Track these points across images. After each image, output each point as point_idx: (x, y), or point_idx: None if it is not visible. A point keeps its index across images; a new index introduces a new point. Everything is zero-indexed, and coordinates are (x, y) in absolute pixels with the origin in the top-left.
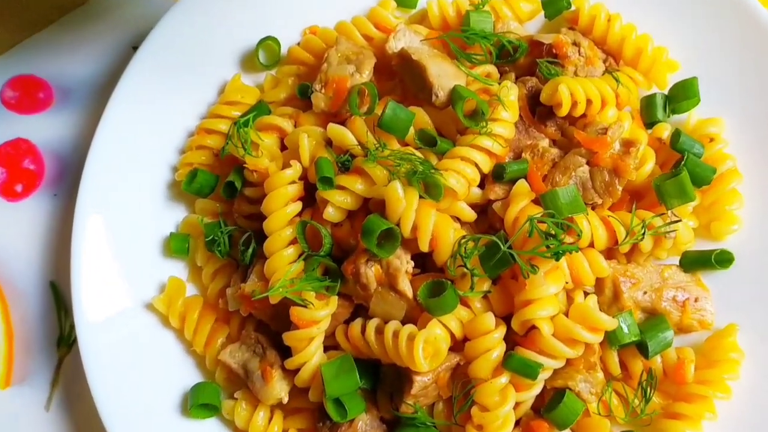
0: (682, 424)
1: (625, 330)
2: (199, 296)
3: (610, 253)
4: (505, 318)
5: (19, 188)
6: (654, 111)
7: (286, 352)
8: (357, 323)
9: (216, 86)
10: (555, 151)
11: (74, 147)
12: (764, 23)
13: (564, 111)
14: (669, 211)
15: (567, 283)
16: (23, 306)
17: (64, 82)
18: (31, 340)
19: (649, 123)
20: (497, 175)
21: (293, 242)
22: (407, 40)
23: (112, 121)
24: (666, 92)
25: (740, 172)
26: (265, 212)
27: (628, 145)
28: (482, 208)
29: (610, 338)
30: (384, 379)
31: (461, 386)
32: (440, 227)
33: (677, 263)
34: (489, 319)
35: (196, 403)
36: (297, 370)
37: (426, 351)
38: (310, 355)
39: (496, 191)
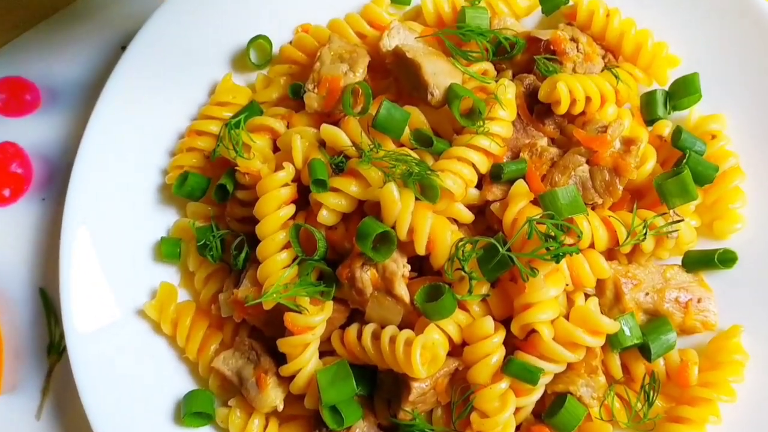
0: (686, 428)
1: (627, 332)
2: (191, 302)
3: (610, 254)
4: (505, 321)
5: (6, 193)
6: (654, 108)
7: (280, 359)
8: (353, 328)
9: (206, 86)
10: (554, 150)
11: (62, 150)
12: (766, 17)
13: (563, 109)
14: (671, 211)
15: (567, 285)
16: (12, 313)
17: (52, 83)
18: (21, 348)
19: (650, 120)
20: (495, 175)
21: (287, 246)
22: (401, 37)
23: (100, 123)
24: (666, 88)
25: (743, 169)
26: (258, 216)
27: (628, 143)
28: (480, 209)
29: (612, 341)
30: (381, 386)
31: (460, 392)
32: (437, 230)
33: (679, 263)
34: (488, 323)
35: (190, 411)
36: (292, 377)
37: (424, 356)
38: (305, 361)
39: (494, 192)
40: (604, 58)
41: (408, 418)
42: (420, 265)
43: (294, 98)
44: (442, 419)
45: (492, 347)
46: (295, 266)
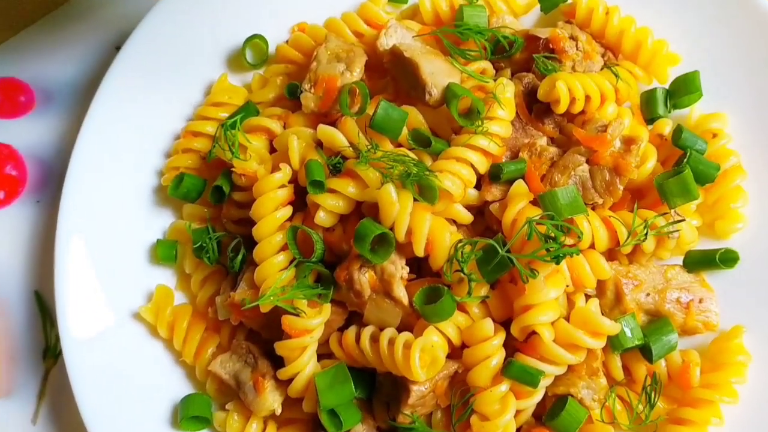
0: (688, 429)
1: (628, 334)
2: (187, 305)
3: (611, 254)
4: (505, 323)
5: (1, 195)
6: (655, 106)
7: (278, 362)
8: (351, 331)
9: (202, 87)
10: (553, 150)
11: (57, 152)
12: (766, 13)
13: (562, 108)
14: (672, 210)
15: (567, 286)
16: (7, 316)
17: (46, 84)
18: (16, 352)
19: (650, 119)
20: (494, 175)
21: (284, 248)
22: (399, 36)
23: (95, 124)
24: (667, 87)
25: (744, 168)
26: (255, 217)
27: (628, 142)
28: (479, 210)
29: (613, 343)
30: (380, 388)
31: (460, 395)
32: (436, 231)
33: (680, 263)
34: (488, 326)
35: (187, 416)
36: (290, 380)
37: (423, 359)
38: (303, 365)
39: (493, 192)
40: (603, 56)
41: (407, 422)
42: (419, 267)
43: (290, 98)
44: (441, 422)
45: (492, 349)
46: (292, 268)
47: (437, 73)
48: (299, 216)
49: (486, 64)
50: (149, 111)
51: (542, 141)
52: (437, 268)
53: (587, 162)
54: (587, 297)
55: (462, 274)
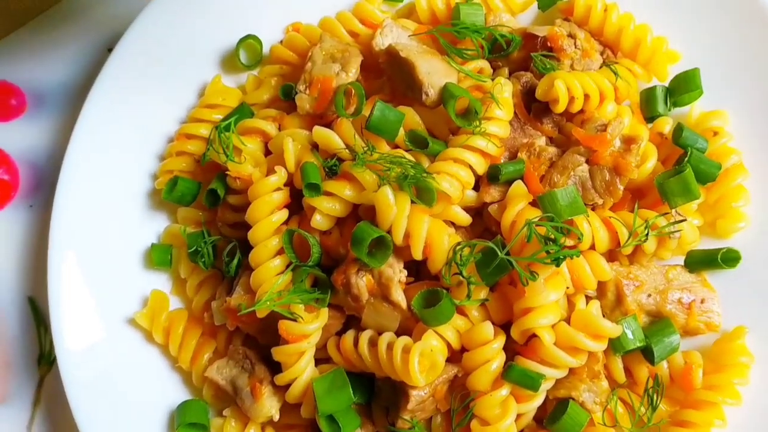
0: None
1: (630, 336)
2: (183, 310)
3: (611, 255)
4: (504, 326)
5: None
6: (654, 104)
7: (275, 367)
8: (349, 335)
9: (195, 88)
10: (552, 150)
11: (49, 155)
12: (766, 10)
13: (561, 107)
14: (673, 210)
15: (568, 288)
16: (1, 323)
17: (37, 87)
18: (11, 359)
19: (650, 117)
20: (492, 176)
21: (280, 252)
22: (395, 35)
23: (87, 127)
24: (667, 84)
25: (746, 167)
26: (250, 221)
27: (628, 141)
28: (477, 211)
29: (615, 345)
30: (379, 393)
31: (460, 399)
32: (434, 234)
33: (682, 263)
34: (487, 329)
35: (184, 422)
36: (288, 386)
37: (422, 364)
38: (301, 370)
39: (492, 194)
40: (602, 54)
41: (407, 427)
42: (417, 270)
43: (285, 99)
44: (441, 427)
45: (492, 353)
46: (288, 273)
47: (434, 73)
48: (295, 219)
49: (483, 64)
50: (142, 113)
51: (541, 141)
52: (436, 271)
53: (587, 162)
54: (588, 298)
55: (461, 277)
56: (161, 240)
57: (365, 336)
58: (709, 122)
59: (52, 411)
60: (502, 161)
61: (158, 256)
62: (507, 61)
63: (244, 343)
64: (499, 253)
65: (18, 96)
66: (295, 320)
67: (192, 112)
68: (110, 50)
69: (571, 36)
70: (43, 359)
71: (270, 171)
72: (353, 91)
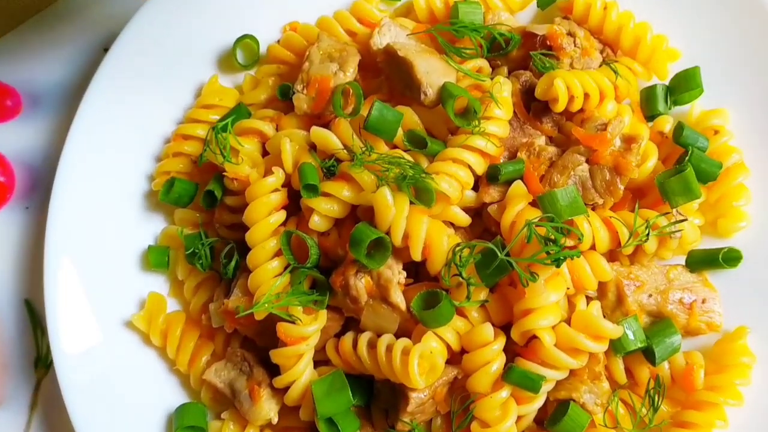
0: None
1: (631, 336)
2: (181, 312)
3: (612, 255)
4: (504, 327)
5: None
6: (655, 103)
7: (274, 369)
8: (348, 337)
9: (192, 89)
10: (552, 150)
11: (46, 157)
12: (767, 7)
13: (560, 106)
14: (674, 210)
15: (568, 288)
16: None
17: (33, 88)
18: (8, 361)
19: (650, 116)
20: (492, 176)
21: (278, 254)
22: (393, 34)
23: (83, 128)
24: (667, 83)
25: (747, 165)
26: (247, 223)
27: (629, 141)
28: (476, 211)
29: (615, 346)
30: (378, 396)
31: (460, 401)
32: (433, 235)
33: (683, 263)
34: (487, 330)
35: (182, 425)
36: (286, 389)
37: (422, 366)
38: (299, 373)
39: (491, 194)
40: (602, 52)
41: (406, 429)
42: (416, 271)
43: (283, 100)
44: (441, 429)
45: (492, 355)
46: (287, 274)
47: (432, 72)
48: (293, 220)
49: (482, 62)
50: (138, 114)
51: (540, 140)
52: (435, 272)
53: (587, 161)
54: (588, 299)
55: (460, 278)
56: (158, 242)
57: (364, 338)
58: (709, 121)
59: (49, 414)
60: (501, 161)
61: (155, 258)
62: (506, 59)
63: (243, 345)
64: (499, 254)
65: (13, 97)
66: (293, 322)
67: (189, 112)
68: (106, 50)
69: (570, 34)
70: (40, 362)
71: (267, 172)
72: (351, 90)
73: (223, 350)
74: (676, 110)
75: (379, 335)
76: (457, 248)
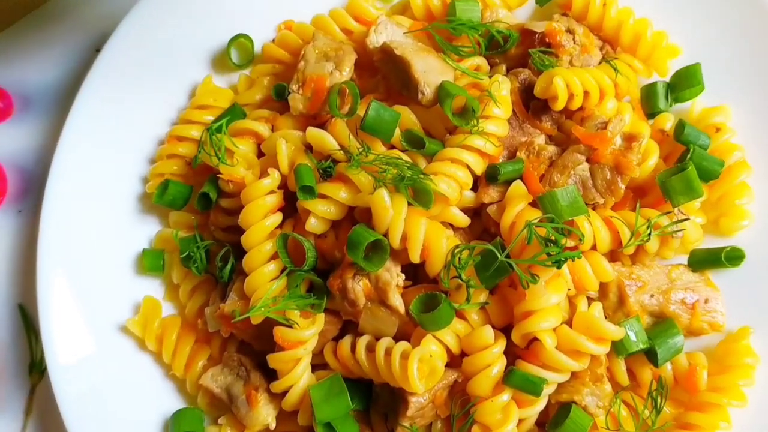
0: None
1: (633, 338)
2: (176, 316)
3: (613, 255)
4: (505, 329)
5: None
6: (655, 100)
7: (271, 374)
8: (346, 341)
9: (186, 89)
10: (552, 149)
11: (38, 159)
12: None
13: (560, 105)
14: (675, 209)
15: (569, 289)
16: None
17: (24, 89)
18: (2, 367)
19: (650, 113)
20: (491, 176)
21: (274, 257)
22: (389, 33)
23: (75, 130)
24: (667, 80)
25: (749, 163)
26: (243, 225)
27: (629, 139)
28: (476, 212)
29: (618, 347)
30: (377, 399)
31: (460, 405)
32: (432, 236)
33: (685, 263)
34: (487, 333)
35: (179, 431)
36: (284, 393)
37: (421, 370)
38: (297, 377)
39: (491, 194)
40: (601, 49)
41: None
42: (415, 274)
43: (278, 100)
44: None
45: (492, 357)
46: (283, 278)
47: (430, 71)
48: (289, 223)
49: (480, 61)
50: (131, 115)
51: (540, 139)
52: (434, 274)
53: (587, 160)
54: (589, 300)
55: (460, 281)
56: (153, 245)
57: (363, 341)
58: (711, 118)
59: (44, 420)
60: (500, 161)
61: (150, 262)
62: (504, 57)
63: (239, 349)
64: (499, 256)
65: (4, 99)
66: (290, 326)
67: (183, 113)
68: (98, 51)
69: (569, 31)
70: (34, 368)
71: (263, 173)
72: (347, 90)
73: (220, 354)
74: (676, 107)
75: (377, 339)
76: (456, 250)
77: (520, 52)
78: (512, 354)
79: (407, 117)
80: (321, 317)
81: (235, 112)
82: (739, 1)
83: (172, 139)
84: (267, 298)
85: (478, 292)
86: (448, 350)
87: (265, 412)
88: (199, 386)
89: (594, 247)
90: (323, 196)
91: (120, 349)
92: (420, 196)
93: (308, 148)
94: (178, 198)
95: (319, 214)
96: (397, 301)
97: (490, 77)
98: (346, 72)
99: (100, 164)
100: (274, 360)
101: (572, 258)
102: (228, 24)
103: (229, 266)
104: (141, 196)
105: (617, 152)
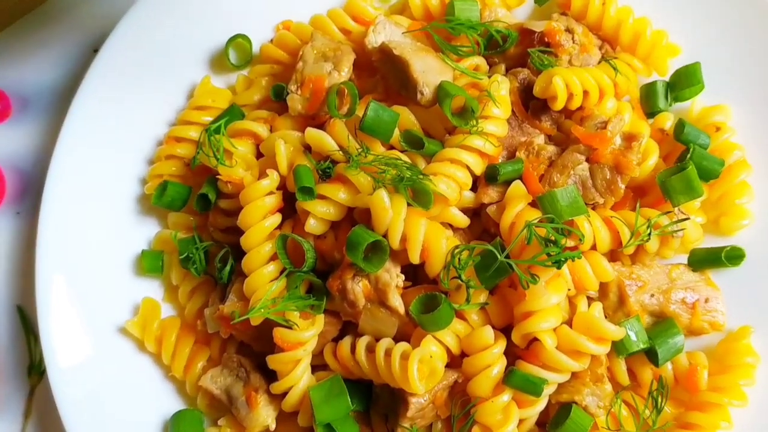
0: None
1: (633, 337)
2: (176, 317)
3: (613, 255)
4: (505, 329)
5: None
6: (655, 100)
7: (271, 375)
8: (346, 342)
9: (184, 90)
10: (551, 149)
11: (36, 161)
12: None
13: (559, 105)
14: (675, 208)
15: (569, 290)
16: None
17: (22, 90)
18: (1, 369)
19: (650, 113)
20: (490, 176)
21: (273, 258)
22: (388, 33)
23: (74, 131)
24: (667, 79)
25: (749, 162)
26: (242, 227)
27: (629, 139)
28: (475, 212)
29: (618, 347)
30: (377, 400)
31: (461, 405)
32: (431, 237)
33: (685, 262)
34: (487, 333)
35: None
36: (284, 395)
37: (421, 371)
38: (297, 378)
39: (490, 194)
40: (601, 48)
41: None
42: (414, 274)
43: (276, 100)
44: None
45: (492, 358)
46: (283, 279)
47: (429, 71)
48: (289, 224)
49: (479, 60)
50: (130, 116)
51: (539, 139)
52: (434, 275)
53: (587, 160)
54: (589, 300)
55: (460, 281)
56: (152, 246)
57: (362, 342)
58: (711, 117)
59: (43, 422)
60: (500, 161)
61: (149, 263)
62: (503, 57)
63: (239, 350)
64: (499, 256)
65: (2, 100)
66: (290, 327)
67: (181, 114)
68: (96, 51)
69: (568, 31)
70: (33, 369)
71: (262, 174)
72: (346, 90)
73: (219, 356)
74: (676, 107)
75: (377, 339)
76: (456, 250)
77: (519, 51)
78: (512, 354)
79: (406, 117)
80: (320, 318)
81: (233, 112)
82: (739, 0)
83: (170, 140)
84: (266, 299)
85: (478, 293)
86: (448, 351)
87: (265, 414)
88: (198, 387)
89: (594, 247)
90: (322, 197)
91: (119, 351)
92: (419, 196)
93: (307, 148)
94: (177, 199)
95: (319, 215)
96: (396, 301)
97: (489, 77)
98: (345, 72)
99: (98, 165)
100: (273, 361)
101: (572, 258)
102: (226, 24)
103: (228, 267)
104: (140, 197)
105: (617, 152)
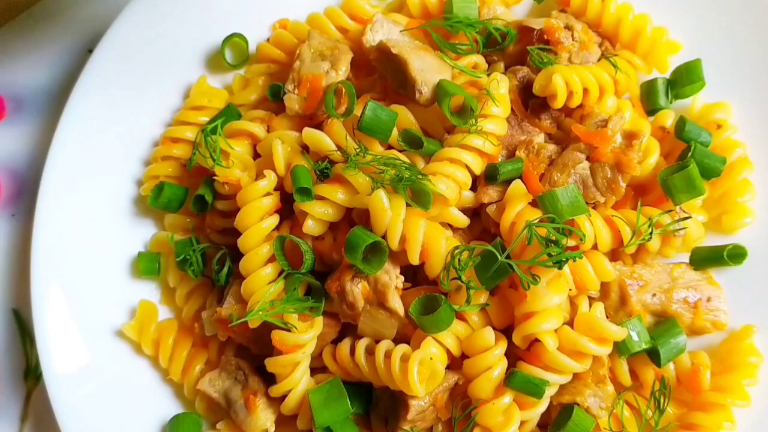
0: None
1: (635, 338)
2: (173, 320)
3: (614, 254)
4: (506, 330)
5: None
6: (656, 97)
7: (270, 378)
8: (345, 344)
9: (180, 90)
10: (551, 147)
11: (31, 162)
12: None
13: (559, 103)
14: (677, 207)
15: (570, 289)
16: None
17: (16, 91)
18: None
19: (651, 110)
20: (490, 176)
21: (271, 260)
22: (386, 31)
23: (68, 132)
24: (668, 76)
25: (751, 160)
26: (239, 228)
27: (630, 137)
28: (475, 212)
29: (620, 348)
30: (377, 403)
31: (461, 407)
32: (431, 238)
33: (686, 261)
34: (488, 335)
35: None
36: (283, 398)
37: (421, 373)
38: (296, 381)
39: (490, 194)
40: (600, 46)
41: None
42: (414, 275)
43: (273, 100)
44: None
45: (493, 359)
46: (281, 281)
47: (427, 69)
48: (286, 225)
49: (478, 58)
50: (125, 117)
51: (539, 138)
52: (433, 276)
53: (587, 159)
54: (591, 299)
55: (460, 282)
56: (148, 248)
57: (362, 344)
58: (712, 115)
59: (40, 426)
60: (499, 160)
61: (145, 265)
62: (502, 55)
63: (237, 353)
64: (499, 257)
65: None
66: (288, 330)
67: (177, 114)
68: (91, 51)
69: (568, 28)
70: (30, 373)
71: (259, 175)
72: (344, 90)
73: (218, 358)
74: (677, 104)
75: (377, 341)
76: (456, 251)
77: (518, 49)
78: (513, 356)
79: (405, 116)
80: (319, 320)
81: (230, 112)
82: None
83: (166, 141)
84: (264, 301)
85: (478, 294)
86: (449, 352)
87: (264, 417)
88: (196, 391)
89: (595, 247)
90: (320, 198)
91: (116, 354)
92: (419, 196)
93: (305, 148)
94: (174, 200)
95: (317, 216)
96: (396, 303)
97: (488, 75)
98: (342, 71)
99: (93, 167)
100: (272, 364)
101: (573, 258)
102: (222, 23)
103: (225, 269)
104: (136, 199)
105: (618, 150)
